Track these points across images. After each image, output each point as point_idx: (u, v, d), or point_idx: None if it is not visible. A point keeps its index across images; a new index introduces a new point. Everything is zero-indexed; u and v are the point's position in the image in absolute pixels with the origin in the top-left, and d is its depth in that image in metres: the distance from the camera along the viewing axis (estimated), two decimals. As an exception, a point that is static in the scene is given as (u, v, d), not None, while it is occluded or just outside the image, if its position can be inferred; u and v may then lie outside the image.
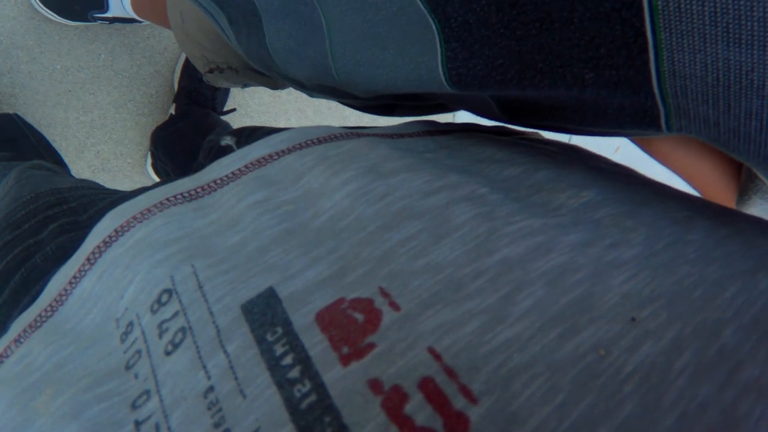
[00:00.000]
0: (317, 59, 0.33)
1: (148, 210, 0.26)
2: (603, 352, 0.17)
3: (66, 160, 0.94)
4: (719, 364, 0.17)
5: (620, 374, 0.16)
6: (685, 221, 0.22)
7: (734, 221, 0.23)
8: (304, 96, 1.28)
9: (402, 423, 0.16)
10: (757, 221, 0.24)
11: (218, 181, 0.28)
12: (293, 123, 1.28)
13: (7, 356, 0.25)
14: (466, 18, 0.24)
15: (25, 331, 0.25)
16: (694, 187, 0.38)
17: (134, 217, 0.26)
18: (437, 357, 0.17)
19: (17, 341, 0.25)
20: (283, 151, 0.28)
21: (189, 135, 0.93)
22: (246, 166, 0.28)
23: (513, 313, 0.18)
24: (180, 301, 0.21)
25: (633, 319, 0.18)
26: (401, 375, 0.17)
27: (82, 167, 1.00)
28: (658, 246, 0.20)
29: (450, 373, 0.17)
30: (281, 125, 1.26)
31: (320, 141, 0.29)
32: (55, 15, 0.88)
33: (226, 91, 1.12)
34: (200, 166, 0.69)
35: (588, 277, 0.19)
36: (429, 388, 0.16)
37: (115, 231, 0.26)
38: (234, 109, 1.10)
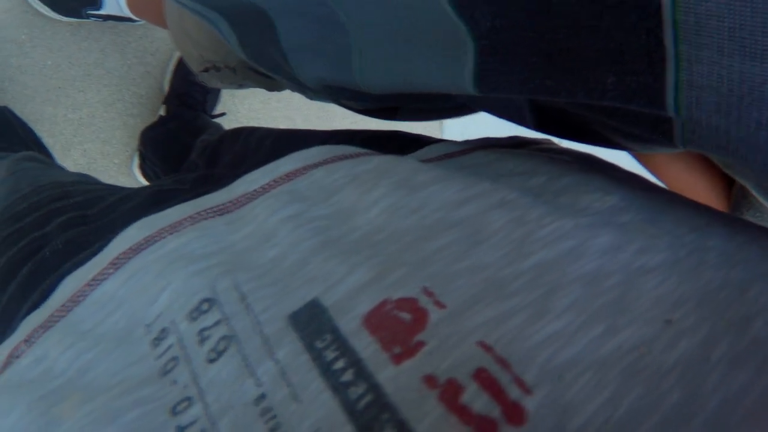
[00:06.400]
0: (338, 55, 0.33)
1: (179, 223, 0.26)
2: (644, 351, 0.17)
3: (52, 157, 0.93)
4: (753, 353, 0.18)
5: (662, 369, 0.17)
6: (703, 229, 0.23)
7: (747, 230, 0.24)
8: (293, 104, 1.28)
9: (460, 412, 0.16)
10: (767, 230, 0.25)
11: (248, 195, 0.28)
12: (282, 129, 1.28)
13: (18, 356, 0.24)
14: (494, 23, 0.24)
15: (36, 330, 0.25)
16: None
17: (164, 229, 0.26)
18: (488, 349, 0.18)
19: (28, 341, 0.25)
20: (311, 166, 0.29)
21: (180, 135, 0.93)
22: (275, 180, 0.28)
23: (555, 308, 0.19)
24: (222, 311, 0.22)
25: (668, 321, 0.18)
26: (455, 368, 0.17)
27: (68, 165, 0.98)
28: (681, 253, 0.21)
29: (503, 363, 0.17)
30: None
31: (346, 157, 0.29)
32: (49, 10, 0.87)
33: (217, 95, 1.12)
34: (193, 165, 0.68)
35: (620, 283, 0.20)
36: (483, 377, 0.17)
37: (145, 240, 0.26)
38: (224, 113, 1.10)
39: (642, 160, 0.41)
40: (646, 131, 0.25)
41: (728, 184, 0.40)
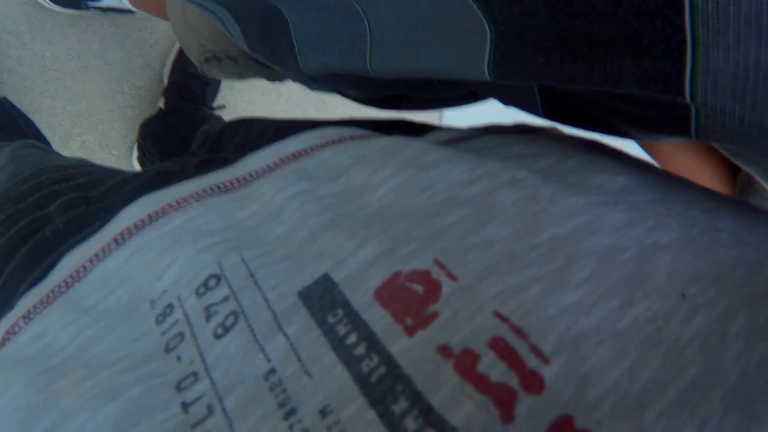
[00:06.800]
0: (350, 42, 0.33)
1: (185, 200, 0.26)
2: (661, 324, 0.17)
3: (51, 148, 0.93)
4: None
5: (680, 341, 0.17)
6: (713, 210, 0.23)
7: (756, 213, 0.24)
8: (293, 97, 1.28)
9: (477, 381, 0.16)
10: None
11: (253, 174, 0.28)
12: (282, 124, 1.28)
13: (15, 333, 0.24)
14: (511, 9, 0.24)
15: (35, 306, 0.25)
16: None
17: (169, 205, 0.26)
18: (504, 319, 0.17)
19: (26, 317, 0.24)
20: (317, 146, 0.28)
21: (179, 128, 0.92)
22: (281, 160, 0.28)
23: (572, 280, 0.18)
24: (230, 287, 0.21)
25: (683, 295, 0.18)
26: (470, 338, 0.17)
27: (66, 157, 0.98)
28: (693, 232, 0.21)
29: (519, 332, 0.17)
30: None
31: (353, 138, 0.29)
32: (48, 2, 0.86)
33: (216, 88, 1.11)
34: (194, 156, 0.68)
35: (635, 258, 0.20)
36: (500, 346, 0.17)
37: (149, 216, 0.25)
38: (223, 106, 1.09)
39: (648, 149, 0.41)
40: (663, 117, 0.25)
41: (733, 173, 0.41)
